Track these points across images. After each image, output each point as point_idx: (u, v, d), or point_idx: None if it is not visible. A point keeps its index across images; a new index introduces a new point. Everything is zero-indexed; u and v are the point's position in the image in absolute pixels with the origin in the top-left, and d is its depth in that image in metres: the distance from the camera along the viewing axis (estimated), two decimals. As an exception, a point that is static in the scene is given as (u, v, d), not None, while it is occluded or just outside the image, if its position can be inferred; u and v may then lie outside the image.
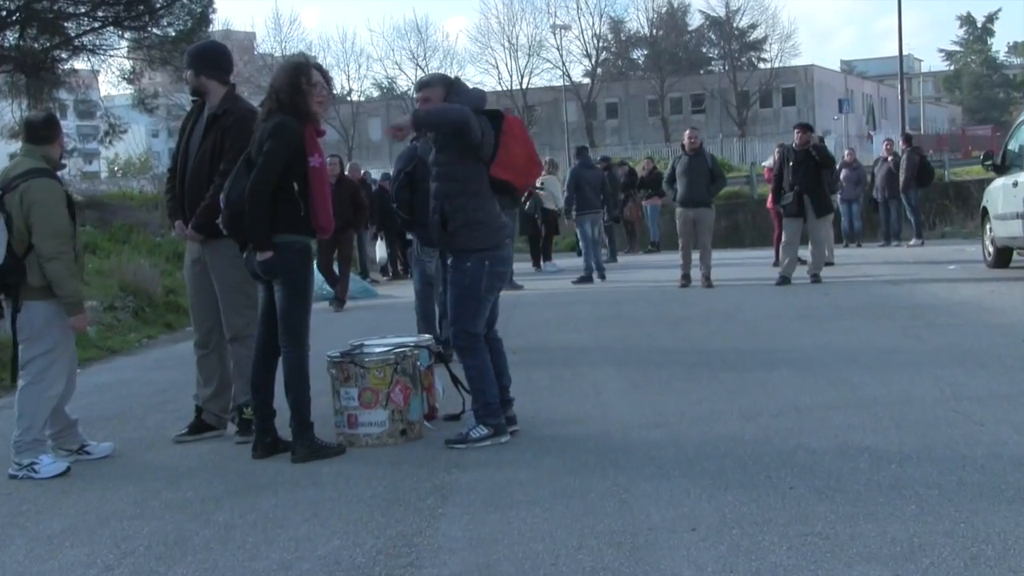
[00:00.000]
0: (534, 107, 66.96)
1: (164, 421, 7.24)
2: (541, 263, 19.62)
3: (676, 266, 14.57)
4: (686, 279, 14.27)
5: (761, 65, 71.47)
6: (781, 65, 68.51)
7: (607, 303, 13.07)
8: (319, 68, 5.85)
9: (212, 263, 6.39)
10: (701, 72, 72.82)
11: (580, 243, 16.87)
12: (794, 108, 67.64)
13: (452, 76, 6.25)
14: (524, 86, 66.76)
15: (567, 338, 10.27)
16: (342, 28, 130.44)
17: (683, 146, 14.42)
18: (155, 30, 23.84)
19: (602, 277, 16.33)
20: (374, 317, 12.74)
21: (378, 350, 6.26)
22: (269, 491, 5.27)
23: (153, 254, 17.05)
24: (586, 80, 70.47)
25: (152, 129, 61.36)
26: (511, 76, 67.72)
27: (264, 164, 5.66)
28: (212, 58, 6.46)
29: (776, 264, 15.30)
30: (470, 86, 6.15)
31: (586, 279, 16.08)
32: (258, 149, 5.72)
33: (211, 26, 25.35)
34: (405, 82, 65.77)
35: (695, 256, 14.29)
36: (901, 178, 20.21)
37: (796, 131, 14.06)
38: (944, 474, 4.81)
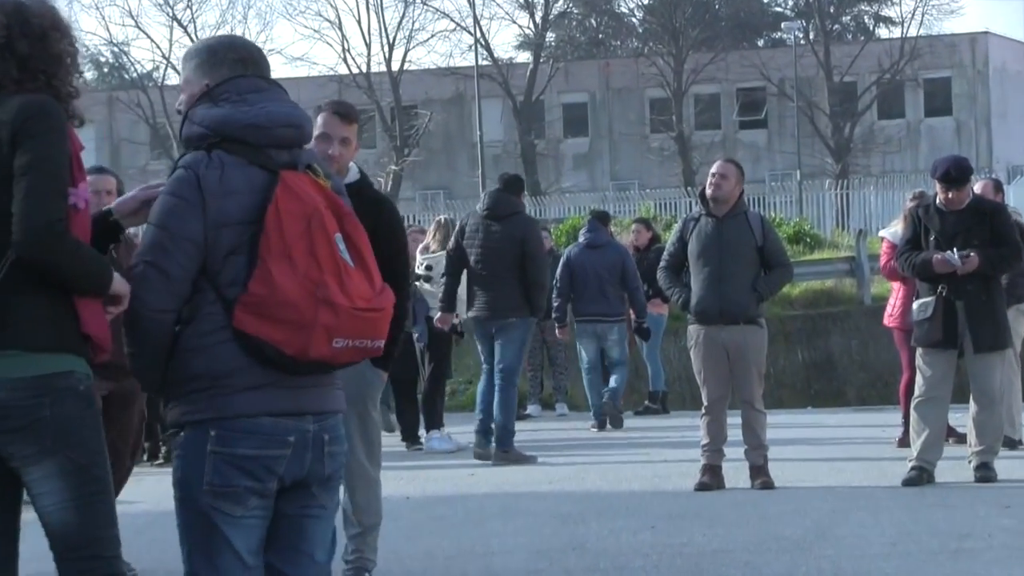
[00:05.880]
0: (415, 109, 67.82)
1: None
2: (422, 433, 19.39)
3: (694, 443, 14.64)
4: (713, 474, 14.31)
5: (881, 32, 73.21)
6: (922, 33, 70.16)
7: (558, 518, 13.19)
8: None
9: None
10: (760, 44, 74.40)
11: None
12: (948, 119, 69.29)
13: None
14: (396, 68, 67.60)
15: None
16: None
17: (704, 196, 14.55)
18: None
19: (614, 422, 20.92)
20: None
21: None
22: None
23: None
24: (524, 58, 71.60)
25: None
26: (369, 47, 68.45)
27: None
28: None
29: (904, 442, 15.43)
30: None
31: (599, 424, 21.08)
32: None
33: None
34: (149, 54, 66.29)
35: (732, 421, 14.40)
36: None
37: (939, 184, 13.98)
38: None
